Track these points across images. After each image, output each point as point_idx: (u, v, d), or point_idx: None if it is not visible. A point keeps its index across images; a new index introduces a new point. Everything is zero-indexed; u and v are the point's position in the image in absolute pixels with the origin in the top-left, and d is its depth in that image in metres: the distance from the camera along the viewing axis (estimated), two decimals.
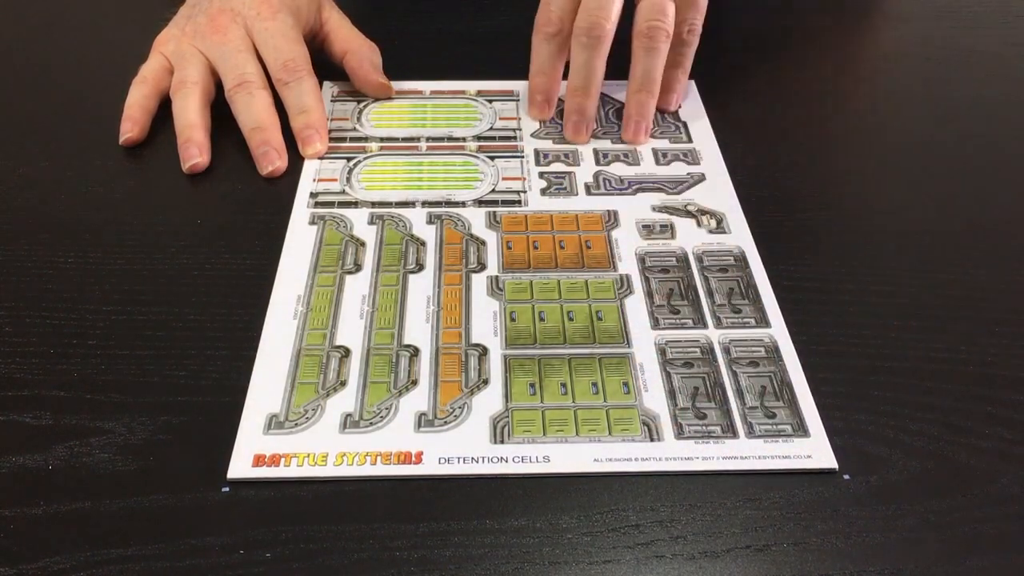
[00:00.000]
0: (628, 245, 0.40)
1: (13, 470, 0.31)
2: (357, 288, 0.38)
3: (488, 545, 0.29)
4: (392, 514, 0.29)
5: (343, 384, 0.34)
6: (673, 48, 0.45)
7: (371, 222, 0.41)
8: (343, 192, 0.43)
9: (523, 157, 0.45)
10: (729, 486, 0.30)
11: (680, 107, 0.48)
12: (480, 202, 0.42)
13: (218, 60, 0.46)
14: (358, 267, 0.39)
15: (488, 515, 0.29)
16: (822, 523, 0.29)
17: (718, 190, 0.43)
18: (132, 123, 0.45)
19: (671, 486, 0.30)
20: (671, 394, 0.33)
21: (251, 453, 0.31)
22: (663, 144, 0.46)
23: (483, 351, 0.35)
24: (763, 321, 0.36)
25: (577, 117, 0.45)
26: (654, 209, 0.42)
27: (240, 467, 0.31)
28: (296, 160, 0.45)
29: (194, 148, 0.44)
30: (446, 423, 0.32)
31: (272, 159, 0.44)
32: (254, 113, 0.44)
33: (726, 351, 0.35)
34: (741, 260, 0.39)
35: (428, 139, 0.47)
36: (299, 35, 0.47)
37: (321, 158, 0.45)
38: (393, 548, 0.28)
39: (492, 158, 0.45)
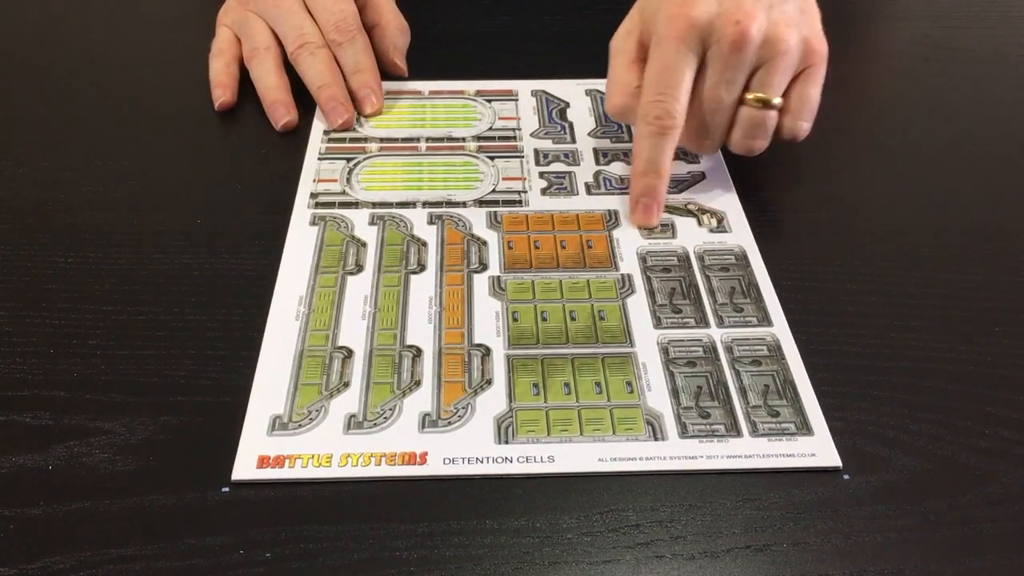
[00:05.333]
0: (629, 244, 0.40)
1: (13, 470, 0.31)
2: (359, 289, 0.38)
3: (488, 545, 0.29)
4: (392, 514, 0.29)
5: (346, 385, 0.33)
6: (784, 131, 0.41)
7: (372, 223, 0.41)
8: (343, 193, 0.43)
9: (523, 157, 0.45)
10: (729, 486, 0.30)
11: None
12: (481, 202, 0.42)
13: (276, 23, 0.48)
14: (360, 268, 0.39)
15: (488, 515, 0.29)
16: (822, 523, 0.29)
17: (718, 189, 0.43)
18: (223, 88, 0.48)
19: (671, 486, 0.30)
20: (674, 393, 0.33)
21: (255, 454, 0.31)
22: None
23: (486, 351, 0.35)
24: (765, 320, 0.36)
25: (648, 199, 0.40)
26: None
27: (245, 468, 0.30)
28: (296, 159, 0.45)
29: (282, 108, 0.47)
30: (450, 423, 0.32)
31: (341, 113, 0.46)
32: (318, 71, 0.47)
33: (729, 350, 0.35)
34: (742, 259, 0.39)
35: (427, 139, 0.47)
36: None
37: (321, 159, 0.45)
38: (393, 548, 0.28)
39: (492, 158, 0.45)
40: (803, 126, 0.41)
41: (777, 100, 0.40)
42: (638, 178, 0.40)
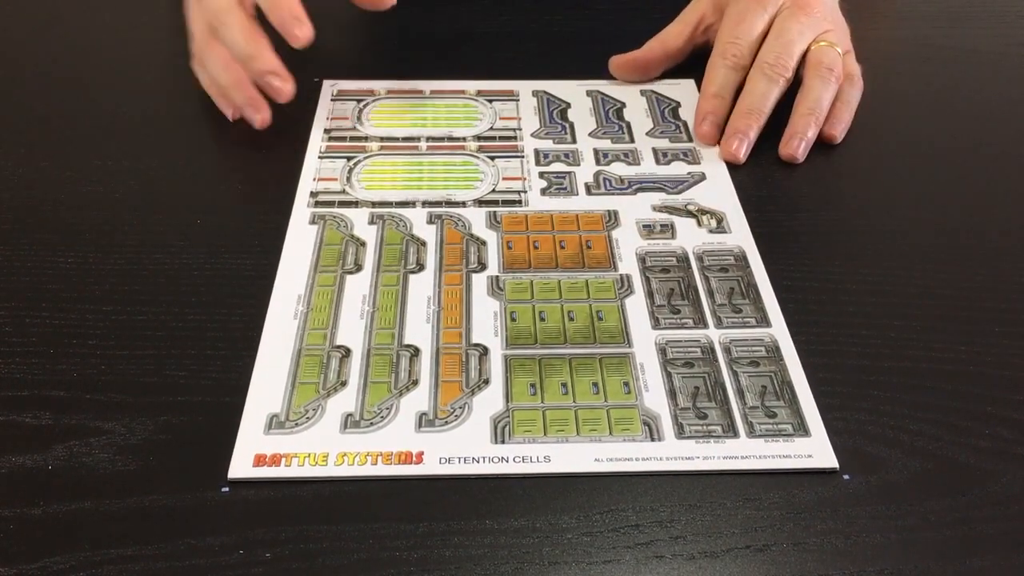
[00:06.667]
0: (628, 245, 0.40)
1: (13, 470, 0.31)
2: (358, 288, 0.38)
3: (488, 545, 0.29)
4: (392, 514, 0.29)
5: (344, 384, 0.34)
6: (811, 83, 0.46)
7: (371, 222, 0.41)
8: (343, 192, 0.43)
9: (523, 157, 0.45)
10: (729, 486, 0.30)
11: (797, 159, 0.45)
12: (480, 202, 0.42)
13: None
14: (358, 267, 0.39)
15: (488, 515, 0.29)
16: (822, 523, 0.29)
17: (718, 189, 0.43)
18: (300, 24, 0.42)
19: (671, 486, 0.30)
20: (672, 394, 0.33)
21: (252, 453, 0.31)
22: (663, 143, 0.46)
23: (484, 351, 0.35)
24: (764, 321, 0.36)
25: (742, 136, 0.45)
26: (654, 209, 0.42)
27: (241, 467, 0.31)
28: (296, 159, 0.45)
29: (300, 24, 0.42)
30: (447, 423, 0.32)
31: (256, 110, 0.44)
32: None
33: (727, 351, 0.35)
34: (741, 260, 0.39)
35: (428, 139, 0.47)
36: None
37: (321, 157, 0.45)
38: (393, 548, 0.28)
39: (492, 158, 0.45)
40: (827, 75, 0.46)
41: (840, 48, 0.47)
42: (740, 117, 0.46)
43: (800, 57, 0.46)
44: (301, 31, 0.42)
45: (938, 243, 0.41)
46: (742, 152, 0.45)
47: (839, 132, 0.46)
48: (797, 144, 0.45)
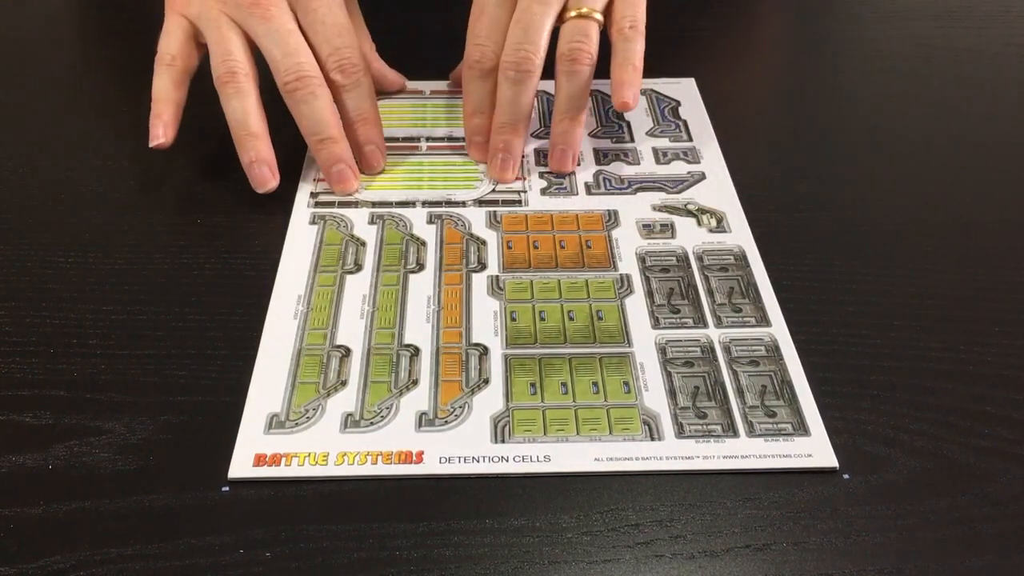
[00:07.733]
0: (628, 244, 0.40)
1: (13, 470, 0.31)
2: (358, 288, 0.38)
3: (488, 545, 0.29)
4: (392, 513, 0.29)
5: (344, 384, 0.34)
6: (617, 45, 0.41)
7: (371, 222, 0.41)
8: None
9: (523, 157, 0.45)
10: (728, 485, 0.30)
11: (631, 108, 0.41)
12: (480, 202, 0.42)
13: (262, 40, 0.40)
14: (358, 267, 0.39)
15: (488, 515, 0.29)
16: (822, 523, 0.29)
17: (718, 189, 0.43)
18: (164, 124, 0.41)
19: (671, 485, 0.30)
20: (671, 393, 0.33)
21: (252, 453, 0.31)
22: (663, 143, 0.46)
23: (484, 351, 0.35)
24: (763, 320, 0.36)
25: (504, 155, 0.42)
26: (654, 208, 0.42)
27: (241, 467, 0.31)
28: (297, 160, 0.45)
29: (267, 170, 0.41)
30: (447, 423, 0.32)
31: (349, 180, 0.42)
32: (320, 120, 0.40)
33: (726, 350, 0.35)
34: (741, 259, 0.39)
35: (428, 139, 0.47)
36: (350, 22, 0.42)
37: None
38: (393, 548, 0.28)
39: None
40: (631, 34, 0.41)
41: (598, 15, 0.41)
42: (497, 132, 0.42)
43: (548, 39, 0.41)
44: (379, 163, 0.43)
45: (938, 243, 0.41)
46: (509, 171, 0.42)
47: (628, 97, 0.41)
48: (559, 157, 0.43)
